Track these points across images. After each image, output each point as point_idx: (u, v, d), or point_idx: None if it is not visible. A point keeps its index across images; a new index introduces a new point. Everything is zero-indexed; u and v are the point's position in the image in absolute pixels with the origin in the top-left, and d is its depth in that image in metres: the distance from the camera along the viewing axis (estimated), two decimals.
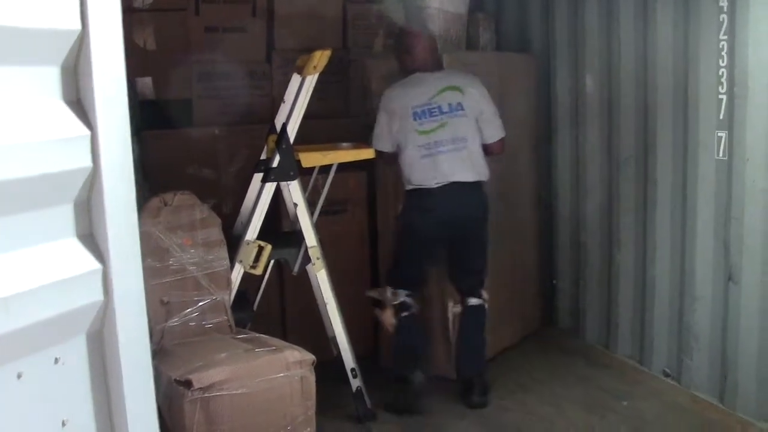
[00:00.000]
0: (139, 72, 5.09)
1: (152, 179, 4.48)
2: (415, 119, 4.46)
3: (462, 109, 4.49)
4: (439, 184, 4.43)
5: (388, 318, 4.63)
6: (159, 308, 3.73)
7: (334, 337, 4.30)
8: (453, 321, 4.87)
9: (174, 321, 3.76)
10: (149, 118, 5.01)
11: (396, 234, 4.80)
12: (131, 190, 1.91)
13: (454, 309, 4.85)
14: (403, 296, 4.59)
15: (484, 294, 4.71)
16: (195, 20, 5.29)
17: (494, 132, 4.59)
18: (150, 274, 3.63)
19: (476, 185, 4.52)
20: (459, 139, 4.47)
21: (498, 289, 5.04)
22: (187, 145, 5.10)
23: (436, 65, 4.67)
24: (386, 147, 4.52)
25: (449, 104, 4.49)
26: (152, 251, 3.70)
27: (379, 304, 4.69)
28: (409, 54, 4.63)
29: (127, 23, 4.86)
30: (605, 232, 5.23)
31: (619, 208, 5.04)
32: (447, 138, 4.46)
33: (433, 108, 4.48)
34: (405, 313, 4.59)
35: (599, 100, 5.17)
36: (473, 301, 4.68)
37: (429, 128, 4.47)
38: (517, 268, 5.58)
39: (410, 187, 4.50)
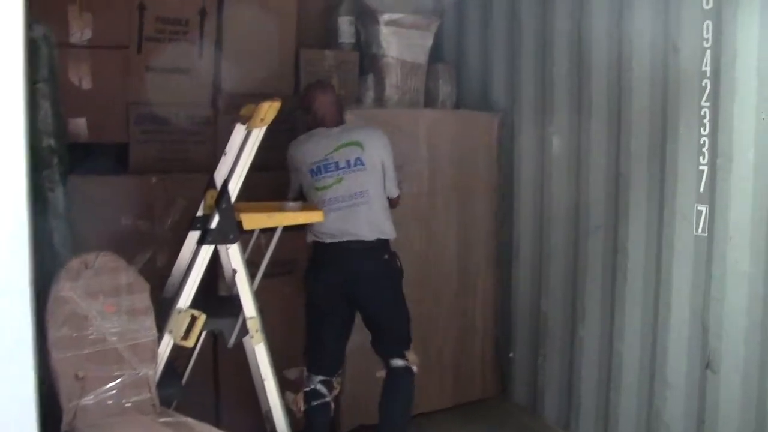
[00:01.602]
0: (72, 112, 4.66)
1: (79, 230, 4.07)
2: (312, 175, 4.38)
3: (362, 164, 4.36)
4: (333, 241, 4.31)
5: (298, 402, 4.35)
6: (73, 383, 3.28)
7: (269, 412, 3.90)
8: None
9: (89, 398, 3.31)
10: (81, 162, 4.60)
11: (305, 305, 4.54)
12: None
13: (378, 374, 4.48)
14: (316, 383, 4.37)
15: (410, 356, 4.40)
16: (136, 59, 4.89)
17: (392, 188, 4.51)
18: (64, 344, 3.27)
19: (377, 243, 4.37)
20: (357, 195, 4.34)
21: (441, 345, 5.08)
22: (121, 192, 4.68)
23: (338, 120, 4.58)
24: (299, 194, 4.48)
25: (347, 160, 4.36)
26: (68, 319, 3.27)
27: (293, 385, 4.38)
28: (309, 109, 4.58)
29: (62, 59, 4.61)
30: (568, 302, 4.93)
31: (585, 278, 4.76)
32: (343, 194, 4.33)
33: (329, 164, 4.36)
34: (315, 402, 4.36)
35: (567, 161, 4.89)
36: (396, 362, 4.39)
37: (325, 184, 4.35)
38: (467, 329, 5.40)
39: (310, 239, 4.42)
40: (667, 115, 4.08)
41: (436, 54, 5.72)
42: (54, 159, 3.84)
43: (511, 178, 5.40)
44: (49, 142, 3.82)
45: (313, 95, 4.58)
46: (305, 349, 4.48)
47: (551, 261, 5.06)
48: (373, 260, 4.36)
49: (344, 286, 4.31)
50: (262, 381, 3.82)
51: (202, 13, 5.04)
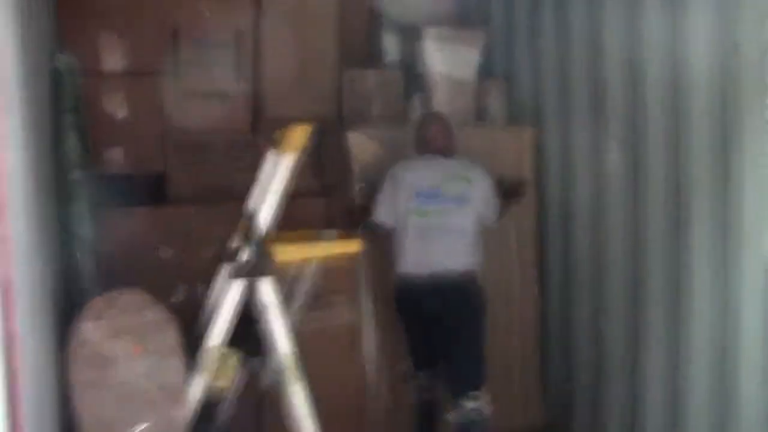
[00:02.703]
0: (107, 142, 4.55)
1: (119, 262, 3.94)
2: (416, 199, 4.32)
3: (466, 201, 4.34)
4: (427, 272, 4.25)
5: (409, 394, 4.56)
6: (98, 429, 3.12)
7: None
8: None
9: None
10: (117, 193, 4.47)
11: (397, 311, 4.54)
12: None
13: (448, 416, 4.31)
14: (421, 378, 4.50)
15: (482, 398, 4.21)
16: (172, 84, 4.76)
17: (492, 215, 4.51)
18: (87, 387, 3.09)
19: (466, 275, 4.30)
20: (456, 229, 4.32)
21: None
22: (159, 224, 4.55)
23: (451, 151, 4.54)
24: (387, 219, 4.39)
25: (454, 194, 4.33)
26: (91, 359, 3.11)
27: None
28: (423, 138, 4.55)
29: (96, 88, 4.50)
30: (631, 328, 4.63)
31: (646, 298, 4.49)
32: (444, 225, 4.30)
33: (437, 193, 4.33)
34: (418, 395, 4.53)
35: (624, 175, 4.62)
36: (468, 404, 4.20)
37: (427, 210, 4.31)
38: (507, 356, 5.14)
39: (400, 271, 4.36)
40: (727, 119, 3.84)
41: (485, 69, 5.48)
42: (82, 192, 3.70)
43: (567, 196, 5.15)
44: (76, 174, 3.68)
45: (428, 125, 4.61)
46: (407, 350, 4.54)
47: (610, 282, 4.80)
48: (463, 291, 4.29)
49: (433, 316, 4.27)
50: (300, 429, 3.57)
51: (238, 35, 4.91)
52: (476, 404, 4.19)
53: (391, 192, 4.37)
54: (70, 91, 3.72)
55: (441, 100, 5.25)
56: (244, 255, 3.42)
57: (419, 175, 4.37)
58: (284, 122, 4.43)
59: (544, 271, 5.37)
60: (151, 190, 4.87)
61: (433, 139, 4.50)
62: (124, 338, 3.21)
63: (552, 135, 5.25)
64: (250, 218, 3.52)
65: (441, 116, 4.73)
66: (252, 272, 3.44)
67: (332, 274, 4.31)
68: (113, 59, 4.60)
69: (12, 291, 1.97)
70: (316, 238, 3.84)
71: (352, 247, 3.82)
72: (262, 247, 3.43)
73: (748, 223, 3.75)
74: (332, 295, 4.52)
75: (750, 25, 3.66)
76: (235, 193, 4.74)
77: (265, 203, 3.43)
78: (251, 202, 3.68)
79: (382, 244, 4.45)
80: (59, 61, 3.71)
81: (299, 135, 3.39)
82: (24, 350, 2.12)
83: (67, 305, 3.42)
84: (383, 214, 4.38)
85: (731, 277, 3.86)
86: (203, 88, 4.85)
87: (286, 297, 3.62)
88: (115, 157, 4.63)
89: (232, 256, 3.58)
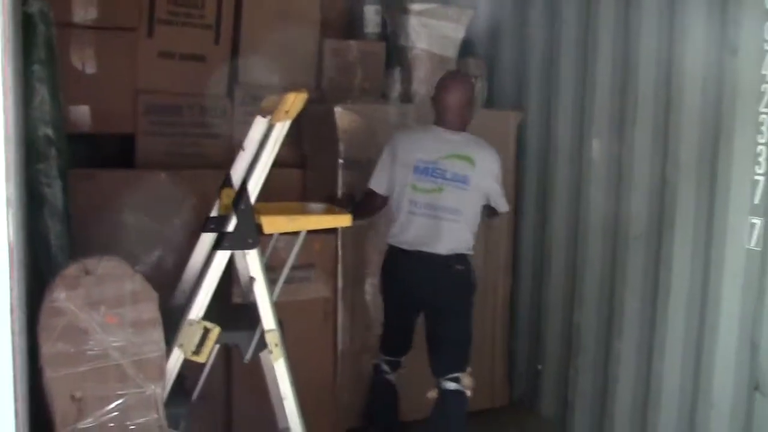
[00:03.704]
0: (74, 99, 4.31)
1: (80, 228, 3.71)
2: (415, 173, 4.15)
3: (467, 183, 4.14)
4: (410, 249, 4.16)
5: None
6: (69, 405, 2.91)
7: (287, 430, 3.51)
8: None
9: (88, 421, 2.93)
10: (83, 154, 4.25)
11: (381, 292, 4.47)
12: None
13: (429, 394, 4.23)
14: (381, 359, 4.41)
15: (464, 379, 4.14)
16: (146, 43, 4.58)
17: (503, 204, 4.35)
18: (59, 361, 2.90)
19: (455, 258, 4.16)
20: (450, 210, 4.13)
21: None
22: (126, 189, 4.32)
23: (460, 125, 4.23)
24: (381, 188, 4.23)
25: (455, 173, 4.13)
26: (64, 332, 2.89)
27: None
28: (436, 99, 4.25)
29: (64, 41, 4.22)
30: (604, 316, 4.61)
31: (623, 290, 4.44)
32: (438, 205, 4.13)
33: (438, 169, 4.14)
34: (378, 376, 4.42)
35: (607, 167, 4.56)
36: (449, 385, 4.13)
37: (425, 188, 4.15)
38: (481, 337, 4.96)
39: (389, 241, 4.27)
40: (720, 120, 3.80)
41: (466, 48, 5.36)
42: (51, 151, 3.45)
43: (544, 180, 5.10)
44: (45, 131, 3.42)
45: (446, 85, 4.24)
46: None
47: (586, 272, 4.76)
48: (450, 275, 4.16)
49: (417, 294, 4.20)
50: (281, 399, 3.42)
51: None
52: (457, 386, 4.12)
53: (390, 162, 4.19)
54: (41, 40, 3.44)
55: (421, 76, 5.10)
56: (230, 225, 3.22)
57: (424, 147, 4.17)
58: (261, 90, 4.33)
59: (517, 255, 5.33)
60: (117, 152, 4.66)
61: (449, 109, 4.17)
62: (100, 309, 3.00)
63: (534, 121, 5.20)
64: (237, 187, 3.31)
65: (466, 81, 4.38)
66: (238, 244, 3.23)
67: (310, 247, 4.19)
68: (84, 11, 4.38)
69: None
70: (302, 210, 3.64)
71: (342, 221, 3.62)
72: (250, 218, 3.23)
73: (732, 223, 3.75)
74: (309, 269, 4.37)
75: (749, 27, 3.62)
76: (207, 160, 4.62)
77: (254, 172, 3.22)
78: (235, 170, 3.48)
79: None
80: (31, 5, 3.43)
81: (294, 102, 3.18)
82: None
83: (36, 273, 3.19)
84: (377, 182, 4.22)
85: (712, 273, 3.88)
86: (179, 50, 4.66)
87: (268, 269, 3.43)
88: (82, 115, 4.41)
89: (215, 225, 3.38)
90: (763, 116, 3.55)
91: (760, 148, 3.57)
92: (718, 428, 3.84)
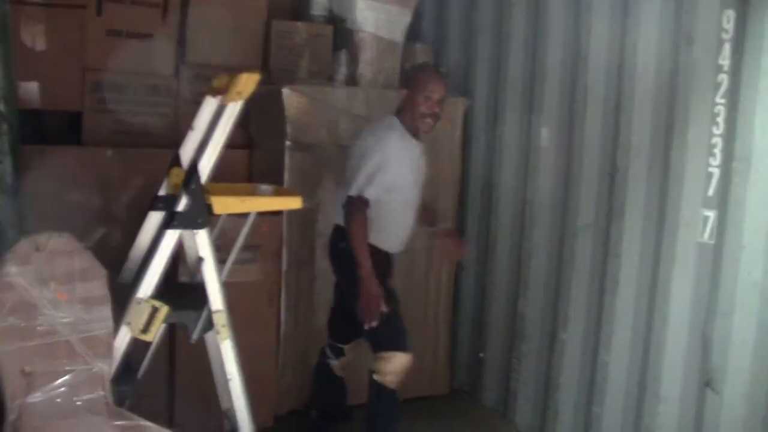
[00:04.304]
0: (23, 76, 4.28)
1: (29, 204, 3.72)
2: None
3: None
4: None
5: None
6: (18, 379, 2.93)
7: (230, 411, 3.57)
8: None
9: (36, 396, 2.95)
10: (31, 130, 4.23)
11: None
12: None
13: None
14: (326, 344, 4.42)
15: (378, 365, 4.05)
16: (95, 21, 4.59)
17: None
18: (10, 336, 2.91)
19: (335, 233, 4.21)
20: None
21: None
22: (73, 165, 4.31)
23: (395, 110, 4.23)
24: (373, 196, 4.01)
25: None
26: (15, 307, 2.92)
27: None
28: (413, 96, 4.05)
29: (15, 17, 4.21)
30: (550, 305, 4.62)
31: (570, 280, 4.44)
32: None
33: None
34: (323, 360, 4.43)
35: (556, 154, 4.57)
36: (373, 376, 4.08)
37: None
38: (421, 323, 5.05)
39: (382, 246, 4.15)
40: (674, 110, 3.77)
41: (413, 33, 5.38)
42: (3, 126, 3.46)
43: (491, 168, 5.10)
44: None
45: (427, 79, 4.08)
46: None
47: (531, 260, 4.76)
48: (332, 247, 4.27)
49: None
50: (226, 380, 3.46)
51: None
52: (377, 377, 4.06)
53: (387, 171, 3.97)
54: None
55: (368, 59, 5.14)
56: (180, 205, 3.26)
57: (415, 154, 4.11)
58: (208, 69, 4.36)
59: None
60: (64, 129, 4.66)
61: (427, 109, 4.04)
62: (50, 285, 3.03)
63: (481, 108, 5.21)
64: (187, 166, 3.35)
65: (443, 75, 4.30)
66: (188, 223, 3.27)
67: (257, 229, 4.22)
68: None
69: None
70: (251, 192, 3.68)
71: (292, 203, 3.67)
72: (201, 198, 3.27)
73: (684, 215, 3.72)
74: (255, 250, 4.41)
75: (705, 16, 3.59)
76: (153, 139, 4.63)
77: (206, 153, 3.26)
78: (184, 149, 3.51)
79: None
80: None
81: (246, 83, 3.22)
82: None
83: None
84: (373, 192, 3.96)
85: (663, 265, 3.85)
86: (126, 28, 4.65)
87: (220, 251, 3.48)
88: (31, 91, 4.40)
89: (164, 204, 3.42)
90: (719, 107, 3.52)
91: (715, 139, 3.54)
92: (666, 422, 3.82)
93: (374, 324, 3.90)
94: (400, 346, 4.04)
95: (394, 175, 3.96)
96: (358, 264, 3.88)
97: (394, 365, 4.01)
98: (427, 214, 4.42)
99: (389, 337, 4.04)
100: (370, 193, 3.93)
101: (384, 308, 3.90)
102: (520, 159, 4.87)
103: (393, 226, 4.11)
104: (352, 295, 3.97)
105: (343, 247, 4.04)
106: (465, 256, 4.97)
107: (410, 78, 4.23)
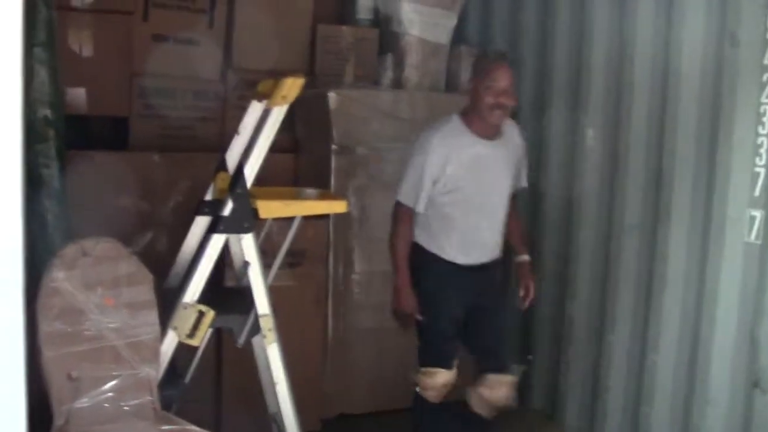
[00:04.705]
0: (70, 81, 4.32)
1: (76, 209, 3.74)
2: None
3: None
4: None
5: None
6: (65, 384, 2.93)
7: (278, 415, 3.56)
8: None
9: (83, 401, 2.96)
10: (78, 135, 4.27)
11: None
12: None
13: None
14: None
15: (424, 381, 3.93)
16: (142, 26, 4.62)
17: None
18: (57, 341, 2.91)
19: None
20: None
21: None
22: (120, 170, 4.34)
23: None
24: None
25: None
26: (62, 312, 2.92)
27: None
28: (478, 88, 3.72)
29: (62, 24, 4.24)
30: (596, 307, 4.55)
31: (617, 282, 4.37)
32: None
33: None
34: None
35: (602, 155, 4.50)
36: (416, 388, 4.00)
37: None
38: None
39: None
40: (719, 110, 3.71)
41: (458, 35, 5.36)
42: (50, 132, 3.49)
43: (537, 168, 4.98)
44: (45, 112, 3.47)
45: (489, 67, 3.73)
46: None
47: (579, 262, 4.69)
48: None
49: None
50: (273, 384, 3.45)
51: None
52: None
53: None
54: (43, 23, 3.47)
55: (413, 62, 5.12)
56: (226, 209, 3.25)
57: (480, 153, 3.81)
58: (254, 74, 4.36)
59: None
60: (111, 134, 4.69)
61: (493, 98, 3.68)
62: (97, 290, 3.03)
63: (527, 108, 5.09)
64: (233, 171, 3.35)
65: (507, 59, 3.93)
66: (234, 228, 3.27)
67: (302, 233, 4.22)
68: None
69: None
70: (295, 195, 3.67)
71: (337, 207, 3.65)
72: (246, 202, 3.26)
73: (731, 216, 3.66)
74: (301, 255, 4.40)
75: (750, 15, 3.53)
76: (199, 144, 4.65)
77: (251, 157, 3.25)
78: (230, 154, 3.50)
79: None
80: None
81: (291, 87, 3.21)
82: None
83: (34, 253, 3.22)
84: (414, 195, 3.77)
85: (710, 265, 3.78)
86: (173, 33, 4.68)
87: (266, 255, 3.47)
88: (78, 97, 4.44)
89: (209, 209, 3.42)
90: (765, 107, 3.46)
91: (761, 139, 3.48)
92: (714, 425, 3.74)
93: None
94: (443, 364, 3.89)
95: (443, 176, 3.72)
96: (394, 272, 3.82)
97: (435, 381, 3.89)
98: (523, 239, 4.19)
99: (435, 354, 3.91)
100: (412, 198, 3.76)
101: (417, 317, 3.81)
102: (566, 159, 4.81)
103: (453, 232, 3.83)
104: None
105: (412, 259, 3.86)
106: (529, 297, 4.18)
107: (472, 69, 3.92)
